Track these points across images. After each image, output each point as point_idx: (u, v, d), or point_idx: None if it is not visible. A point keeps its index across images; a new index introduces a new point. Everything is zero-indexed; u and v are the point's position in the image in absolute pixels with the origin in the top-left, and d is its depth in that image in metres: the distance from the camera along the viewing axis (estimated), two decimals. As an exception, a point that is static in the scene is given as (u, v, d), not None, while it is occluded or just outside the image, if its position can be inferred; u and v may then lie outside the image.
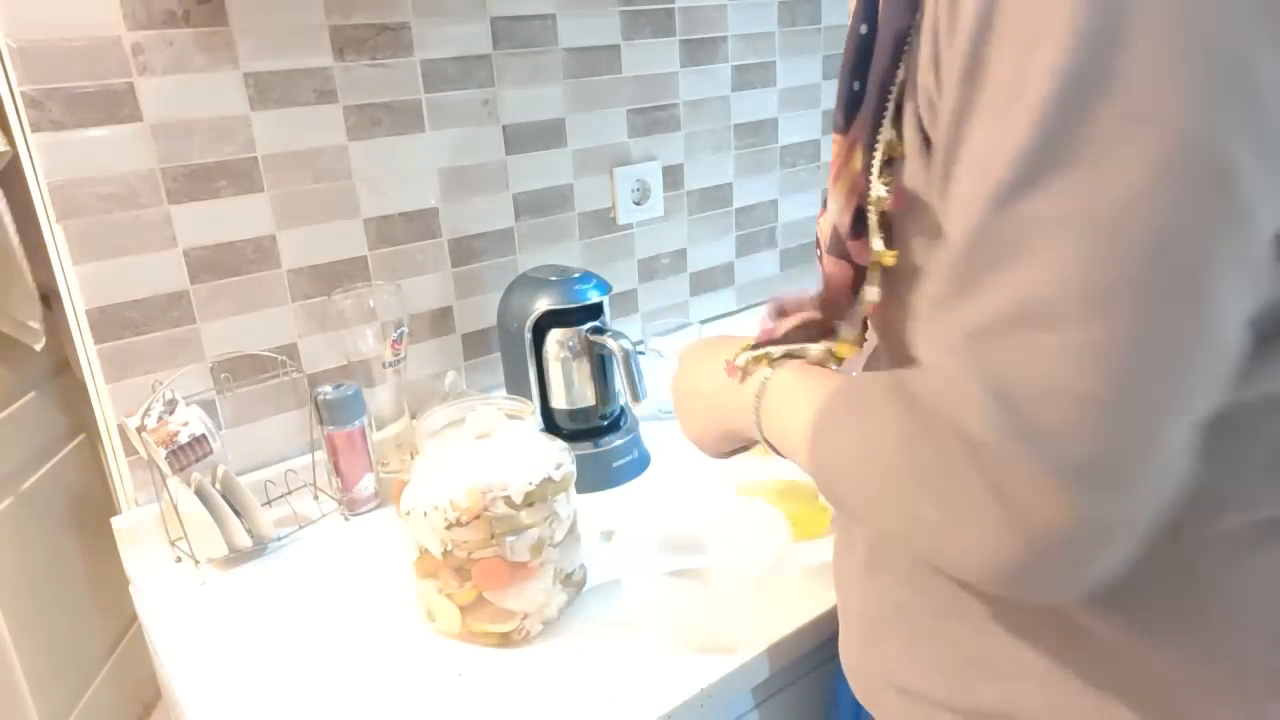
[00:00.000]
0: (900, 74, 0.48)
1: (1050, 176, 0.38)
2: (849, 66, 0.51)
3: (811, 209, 1.61)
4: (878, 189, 0.50)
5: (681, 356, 0.73)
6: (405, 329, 1.10)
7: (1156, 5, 0.37)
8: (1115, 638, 0.50)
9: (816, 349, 0.60)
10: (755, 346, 0.63)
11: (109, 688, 1.64)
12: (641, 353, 1.18)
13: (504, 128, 1.21)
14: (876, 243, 0.52)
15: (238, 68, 0.99)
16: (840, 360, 0.61)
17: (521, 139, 1.23)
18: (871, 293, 0.54)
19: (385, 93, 1.10)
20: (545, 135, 1.26)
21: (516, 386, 1.08)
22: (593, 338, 1.03)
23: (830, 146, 1.63)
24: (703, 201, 1.47)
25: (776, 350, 0.62)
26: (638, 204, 1.37)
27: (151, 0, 0.93)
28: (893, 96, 0.48)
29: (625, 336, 1.01)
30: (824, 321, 0.60)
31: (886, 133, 0.49)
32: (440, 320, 1.21)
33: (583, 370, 1.04)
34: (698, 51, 1.39)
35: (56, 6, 0.88)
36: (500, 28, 1.18)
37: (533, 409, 0.84)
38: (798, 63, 1.53)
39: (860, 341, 0.60)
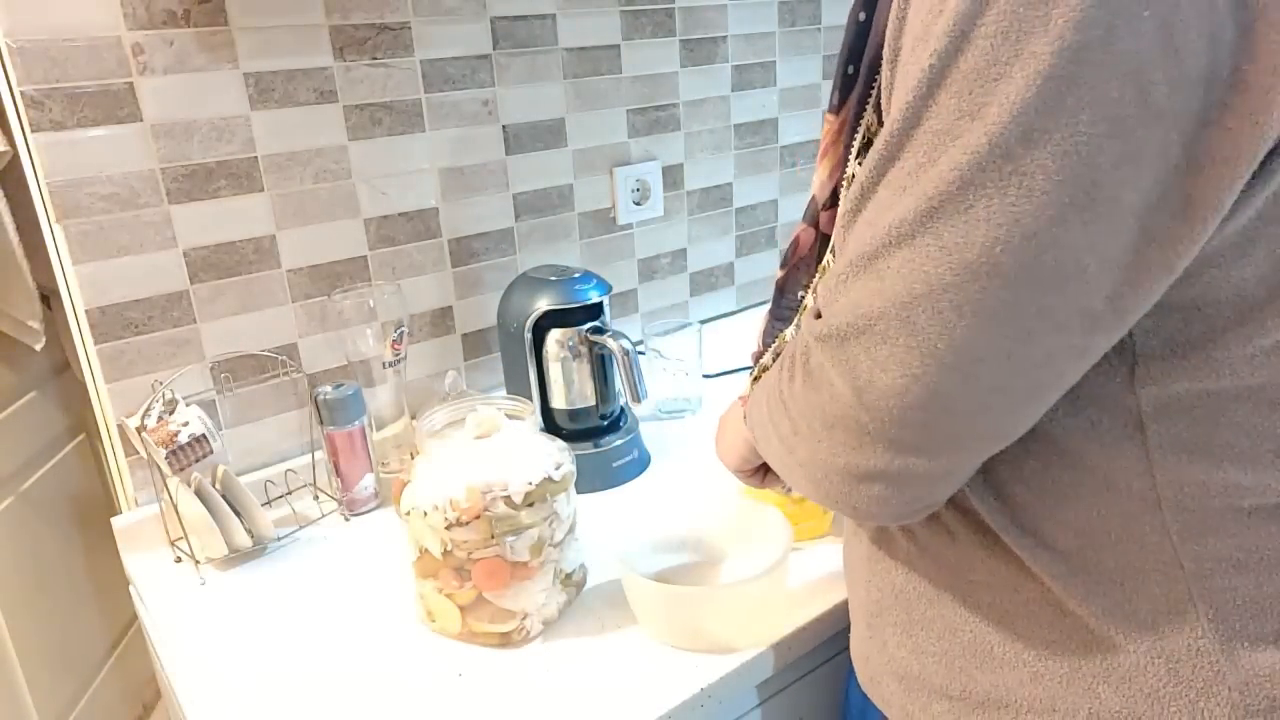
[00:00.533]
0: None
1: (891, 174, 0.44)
2: (845, 50, 0.54)
3: (811, 209, 1.61)
4: (853, 166, 0.53)
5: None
6: (405, 329, 1.10)
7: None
8: (1105, 627, 0.50)
9: (790, 329, 0.64)
10: (755, 377, 0.67)
11: (109, 688, 1.64)
12: (641, 353, 1.18)
13: (504, 128, 1.21)
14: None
15: (238, 68, 0.99)
16: None
17: (521, 139, 1.23)
18: (827, 258, 0.58)
19: (385, 93, 1.10)
20: (545, 135, 1.26)
21: (516, 386, 1.08)
22: (593, 338, 1.03)
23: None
24: (703, 201, 1.47)
25: (767, 359, 0.65)
26: (638, 204, 1.37)
27: (151, 0, 0.93)
28: (877, 81, 0.50)
29: (625, 336, 1.01)
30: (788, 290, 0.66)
31: (868, 116, 0.52)
32: (440, 320, 1.21)
33: (583, 370, 1.04)
34: (698, 51, 1.39)
35: (56, 6, 0.88)
36: (500, 28, 1.18)
37: (533, 409, 0.83)
38: (798, 63, 1.53)
39: None
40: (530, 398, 1.05)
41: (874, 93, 0.51)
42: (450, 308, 1.22)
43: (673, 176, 1.41)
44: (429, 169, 1.16)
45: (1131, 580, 0.50)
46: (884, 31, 0.47)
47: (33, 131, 0.89)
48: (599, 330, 1.03)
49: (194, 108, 0.98)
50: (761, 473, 0.76)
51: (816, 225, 0.59)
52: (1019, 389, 0.45)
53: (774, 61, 1.49)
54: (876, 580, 0.62)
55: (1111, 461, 0.49)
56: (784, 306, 0.68)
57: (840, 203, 0.55)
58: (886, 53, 0.46)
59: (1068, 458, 0.50)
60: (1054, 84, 0.38)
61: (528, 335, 1.03)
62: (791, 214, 1.59)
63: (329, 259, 1.10)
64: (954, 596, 0.56)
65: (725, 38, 1.41)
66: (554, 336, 1.03)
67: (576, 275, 1.05)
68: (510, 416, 0.84)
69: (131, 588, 0.96)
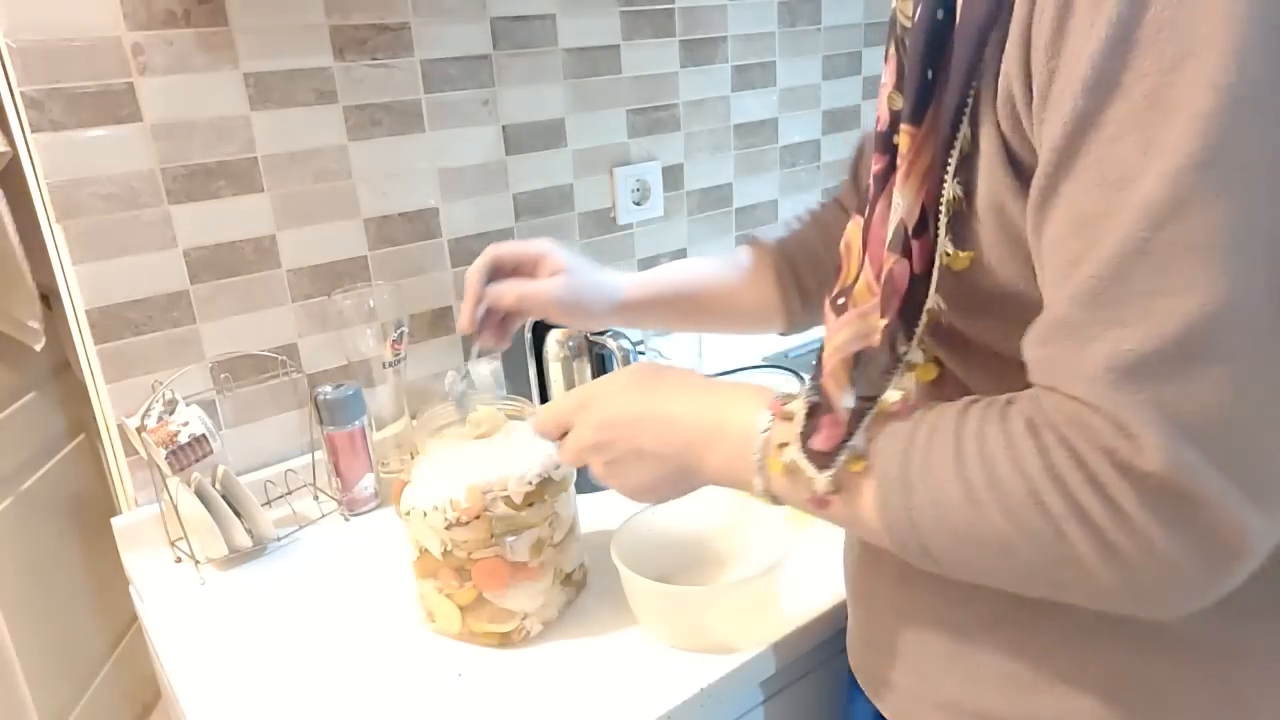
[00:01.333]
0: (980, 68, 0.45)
1: (1205, 197, 0.37)
2: (921, 53, 0.46)
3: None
4: (953, 188, 0.46)
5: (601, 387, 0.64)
6: (405, 329, 1.10)
7: None
8: (1200, 635, 0.49)
9: (893, 394, 0.50)
10: (830, 452, 0.50)
11: (109, 688, 1.64)
12: (641, 353, 1.18)
13: (504, 128, 1.21)
14: (947, 244, 0.47)
15: (238, 68, 0.99)
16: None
17: (521, 139, 1.23)
18: (935, 300, 0.48)
19: (385, 93, 1.10)
20: (545, 135, 1.26)
21: (516, 386, 1.08)
22: (593, 338, 1.03)
23: (827, 149, 1.61)
24: (703, 201, 1.47)
25: (859, 441, 0.49)
26: (638, 204, 1.37)
27: (151, 0, 0.93)
28: (974, 91, 0.45)
29: (625, 336, 1.01)
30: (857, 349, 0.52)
31: (964, 128, 0.45)
32: (440, 320, 1.21)
33: (583, 370, 1.04)
34: (698, 51, 1.39)
35: (56, 6, 0.88)
36: (500, 28, 1.18)
37: (533, 409, 0.83)
38: (798, 63, 1.53)
39: (936, 361, 0.52)
40: (530, 398, 1.05)
41: (969, 104, 0.45)
42: (450, 308, 1.22)
43: (673, 176, 1.41)
44: (429, 169, 1.16)
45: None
46: (974, 34, 0.43)
47: (33, 131, 0.89)
48: (599, 330, 1.03)
49: (194, 108, 0.98)
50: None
51: (909, 255, 0.49)
52: None
53: (774, 61, 1.49)
54: (911, 608, 0.59)
55: None
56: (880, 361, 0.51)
57: (933, 227, 0.47)
58: (1009, 58, 0.42)
59: None
60: None
61: (528, 335, 1.03)
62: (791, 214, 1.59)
63: (329, 259, 1.10)
64: (1014, 617, 0.53)
65: (725, 38, 1.41)
66: (554, 336, 1.03)
67: (576, 275, 1.05)
68: (510, 417, 0.84)
69: (131, 588, 0.96)
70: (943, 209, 0.47)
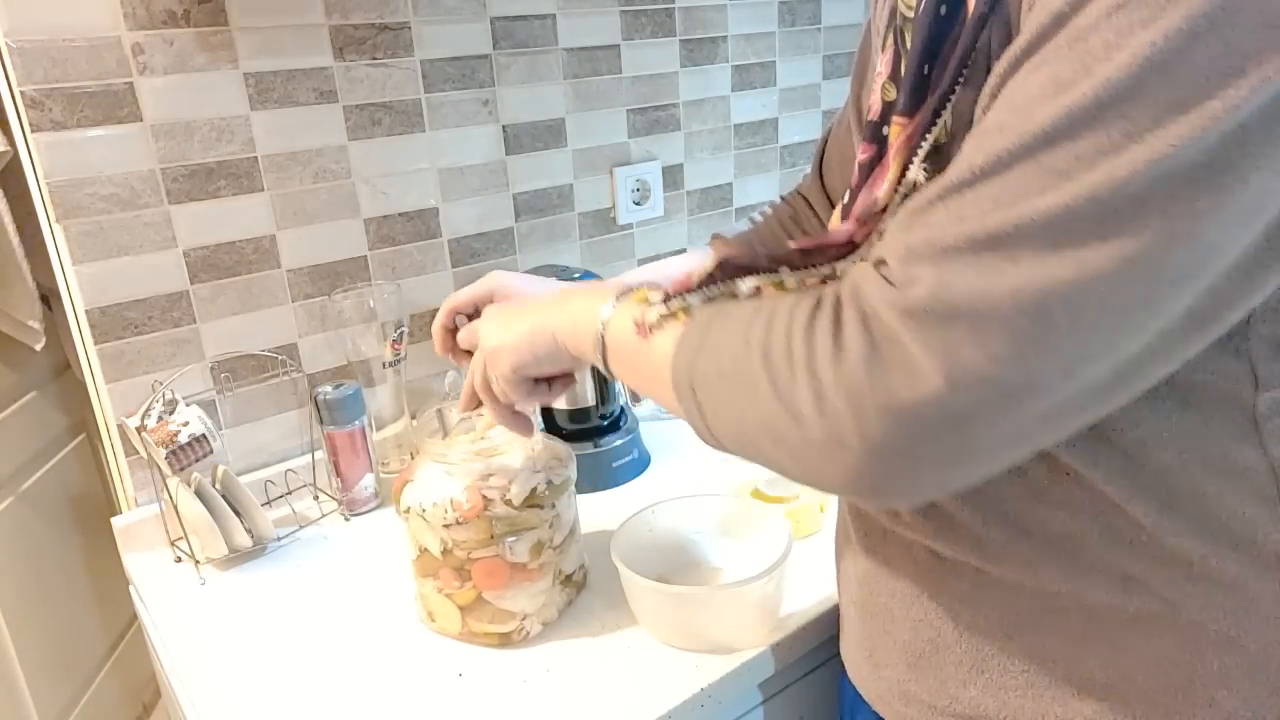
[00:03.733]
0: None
1: (1111, 121, 0.38)
2: (921, 46, 0.48)
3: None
4: (917, 172, 0.48)
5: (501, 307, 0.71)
6: (405, 329, 1.10)
7: None
8: (1225, 630, 0.49)
9: (754, 281, 0.54)
10: (674, 296, 0.55)
11: (109, 688, 1.64)
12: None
13: (504, 128, 1.21)
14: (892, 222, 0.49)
15: (238, 68, 0.99)
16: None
17: (521, 139, 1.23)
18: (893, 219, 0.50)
19: (385, 93, 1.10)
20: (545, 135, 1.26)
21: (516, 386, 1.08)
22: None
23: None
24: (703, 201, 1.47)
25: (710, 291, 0.54)
26: (638, 204, 1.37)
27: (151, 0, 0.93)
28: (961, 82, 0.46)
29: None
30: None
31: (946, 116, 0.47)
32: (440, 320, 1.21)
33: (583, 370, 1.04)
34: (698, 51, 1.39)
35: (56, 6, 0.88)
36: (500, 28, 1.18)
37: (532, 409, 0.83)
38: (798, 63, 1.53)
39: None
40: (530, 398, 1.05)
41: (954, 94, 0.47)
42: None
43: (673, 176, 1.41)
44: (429, 169, 1.16)
45: (1254, 577, 0.49)
46: (973, 28, 0.45)
47: (33, 131, 0.89)
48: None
49: (194, 108, 0.98)
50: (540, 390, 0.70)
51: (868, 228, 0.52)
52: (1108, 387, 0.42)
53: (774, 61, 1.49)
54: (930, 618, 0.58)
55: (1229, 459, 0.48)
56: (764, 269, 0.56)
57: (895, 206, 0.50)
58: (995, 43, 0.43)
59: (1187, 463, 0.48)
60: None
61: (528, 335, 1.03)
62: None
63: (329, 259, 1.10)
64: (1041, 622, 0.53)
65: (725, 38, 1.41)
66: (554, 336, 1.03)
67: (576, 275, 1.05)
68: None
69: (131, 588, 0.96)
70: (900, 191, 0.49)
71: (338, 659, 0.79)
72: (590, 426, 1.07)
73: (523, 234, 1.27)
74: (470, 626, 0.78)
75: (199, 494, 0.93)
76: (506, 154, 1.22)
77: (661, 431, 1.17)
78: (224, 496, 0.95)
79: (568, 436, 1.05)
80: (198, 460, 0.93)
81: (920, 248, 0.42)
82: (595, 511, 0.97)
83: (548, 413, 1.07)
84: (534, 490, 0.76)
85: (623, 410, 1.11)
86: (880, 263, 0.44)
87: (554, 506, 0.78)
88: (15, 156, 0.98)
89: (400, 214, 1.15)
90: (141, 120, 0.95)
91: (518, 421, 0.74)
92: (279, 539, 0.98)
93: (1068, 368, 0.40)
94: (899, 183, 0.49)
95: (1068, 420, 0.43)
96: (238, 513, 0.95)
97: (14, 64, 0.87)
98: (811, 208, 0.82)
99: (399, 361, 1.09)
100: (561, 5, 1.22)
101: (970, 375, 0.40)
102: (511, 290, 0.80)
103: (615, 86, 1.31)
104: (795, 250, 0.54)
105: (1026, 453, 0.44)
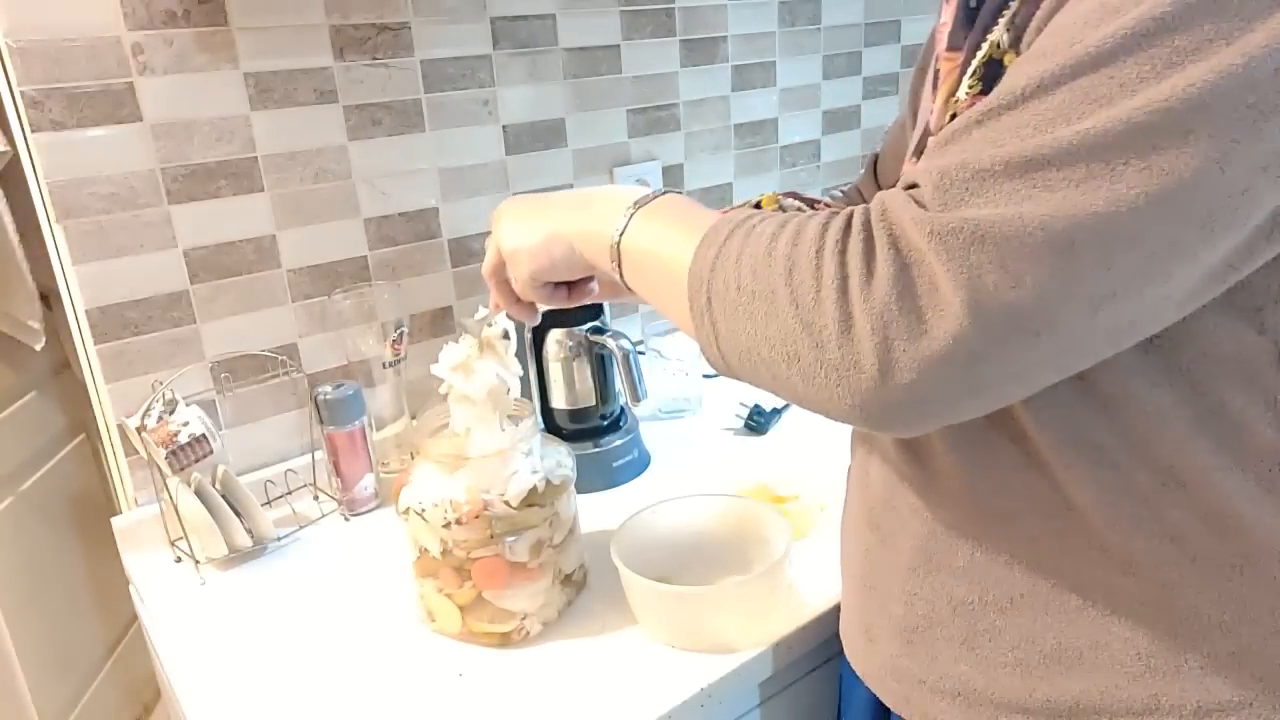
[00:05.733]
0: None
1: (1160, 44, 0.38)
2: None
3: (811, 209, 1.61)
4: (963, 87, 0.47)
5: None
6: (405, 329, 1.10)
7: None
8: (1220, 614, 0.49)
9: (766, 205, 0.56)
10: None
11: (109, 688, 1.64)
12: (641, 353, 1.18)
13: (504, 128, 1.21)
14: None
15: (238, 68, 0.99)
16: None
17: (521, 139, 1.23)
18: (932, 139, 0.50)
19: (385, 93, 1.10)
20: (545, 135, 1.26)
21: (516, 386, 1.08)
22: (593, 338, 1.03)
23: (827, 149, 1.62)
24: (703, 201, 1.46)
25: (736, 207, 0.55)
26: (638, 204, 1.37)
27: (151, 0, 0.93)
28: (1009, 15, 0.46)
29: (625, 336, 1.01)
30: None
31: (998, 34, 0.46)
32: (440, 320, 1.21)
33: (583, 370, 1.04)
34: (698, 51, 1.39)
35: (56, 6, 0.88)
36: (500, 28, 1.18)
37: (532, 409, 0.83)
38: (798, 63, 1.53)
39: None
40: (530, 398, 1.05)
41: (1006, 11, 0.45)
42: (450, 308, 1.22)
43: (673, 176, 1.41)
44: (429, 169, 1.16)
45: (1252, 565, 0.49)
46: None
47: (33, 131, 0.89)
48: (599, 330, 1.03)
49: (194, 108, 0.98)
50: (559, 294, 0.69)
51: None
52: (1124, 330, 0.43)
53: (774, 61, 1.49)
54: (925, 593, 0.58)
55: (1242, 440, 0.48)
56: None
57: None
58: None
59: (1201, 445, 0.48)
60: None
61: (528, 335, 1.03)
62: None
63: (329, 259, 1.10)
64: (1032, 601, 0.53)
65: (725, 38, 1.41)
66: (554, 336, 1.03)
67: (576, 275, 1.05)
68: (510, 416, 0.84)
69: (131, 588, 0.96)
70: (948, 112, 0.48)
71: (338, 659, 0.79)
72: (590, 426, 1.07)
73: (523, 234, 1.27)
74: (470, 626, 0.78)
75: (199, 494, 0.93)
76: (506, 154, 1.22)
77: (661, 431, 1.17)
78: (224, 496, 0.95)
79: (568, 436, 1.05)
80: (198, 460, 0.93)
81: (954, 170, 0.41)
82: (595, 511, 0.97)
83: (548, 413, 1.07)
84: (533, 490, 0.76)
85: (623, 410, 1.11)
86: (912, 186, 0.44)
87: (553, 506, 0.78)
88: (15, 156, 0.98)
89: (400, 214, 1.15)
90: (141, 120, 0.95)
91: (522, 309, 0.73)
92: (279, 539, 0.98)
93: (1090, 305, 0.40)
94: (946, 107, 0.49)
95: (1077, 361, 0.44)
96: (238, 513, 0.95)
97: (14, 64, 0.87)
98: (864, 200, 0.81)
99: (399, 361, 1.09)
100: (561, 5, 1.22)
101: (993, 303, 0.39)
102: None
103: (615, 86, 1.31)
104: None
105: (1034, 390, 0.45)
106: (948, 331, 0.40)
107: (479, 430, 0.77)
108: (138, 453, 0.98)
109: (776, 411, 1.18)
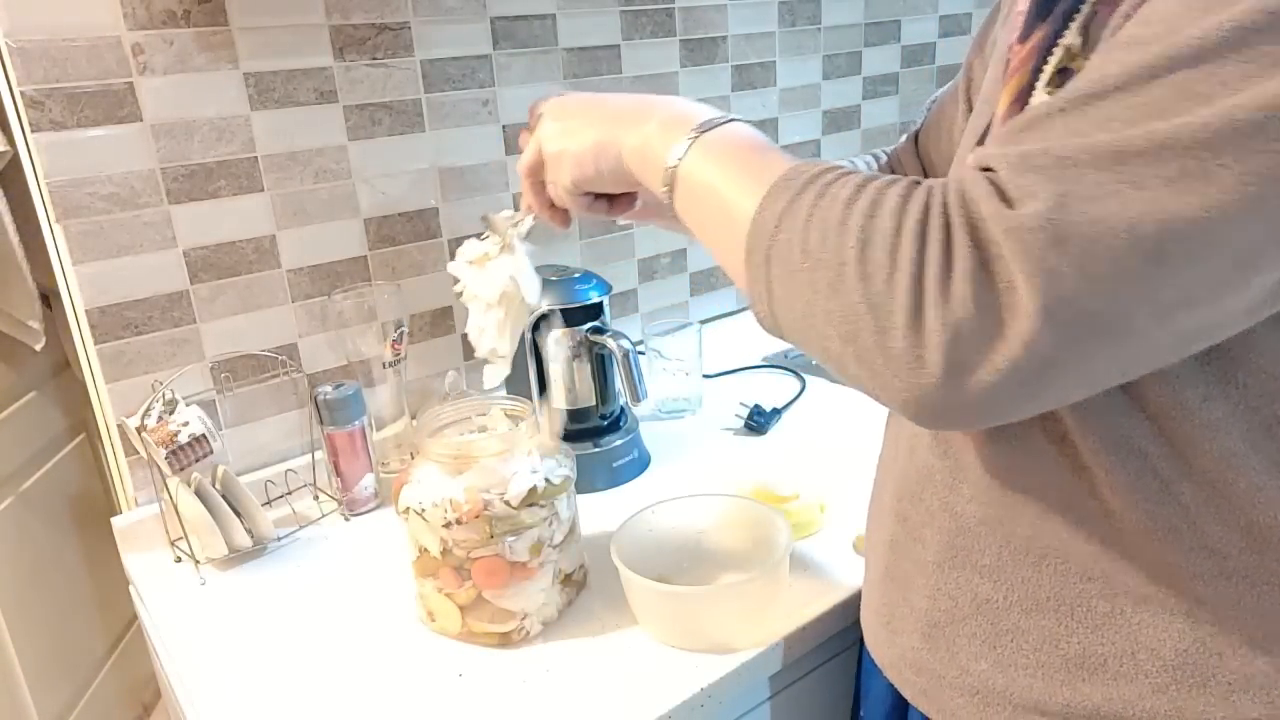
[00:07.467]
0: None
1: (1253, 53, 0.36)
2: None
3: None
4: (1039, 97, 0.45)
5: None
6: (405, 329, 1.10)
7: None
8: (1253, 633, 0.48)
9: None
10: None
11: (109, 688, 1.64)
12: (641, 353, 1.18)
13: (504, 128, 1.21)
14: None
15: (238, 68, 0.99)
16: None
17: (521, 139, 1.23)
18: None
19: (385, 93, 1.10)
20: (545, 135, 1.26)
21: (516, 386, 1.08)
22: (593, 338, 1.03)
23: (827, 149, 1.61)
24: (703, 201, 1.46)
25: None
26: (638, 204, 1.37)
27: (151, 0, 0.93)
28: (1086, 5, 0.43)
29: (625, 336, 1.01)
30: None
31: (1071, 37, 0.44)
32: (440, 320, 1.21)
33: (583, 370, 1.04)
34: (698, 51, 1.39)
35: (56, 6, 0.88)
36: (500, 28, 1.18)
37: (532, 409, 0.83)
38: (798, 63, 1.53)
39: None
40: (530, 398, 1.05)
41: (1081, 11, 0.43)
42: (450, 308, 1.22)
43: (673, 176, 1.41)
44: (429, 169, 1.16)
45: None
46: None
47: (33, 131, 0.89)
48: (599, 330, 1.03)
49: (194, 108, 0.98)
50: (599, 205, 0.65)
51: None
52: (1192, 337, 0.41)
53: (774, 61, 1.49)
54: (949, 589, 0.57)
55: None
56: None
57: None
58: None
59: (1252, 462, 0.46)
60: None
61: (528, 335, 1.03)
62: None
63: (329, 259, 1.10)
64: (1058, 604, 0.52)
65: (725, 38, 1.41)
66: (554, 336, 1.03)
67: (576, 275, 1.05)
68: (510, 416, 0.84)
69: (131, 588, 0.96)
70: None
71: (338, 659, 0.79)
72: (590, 426, 1.07)
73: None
74: (470, 626, 0.78)
75: (199, 494, 0.93)
76: (506, 154, 1.22)
77: (661, 431, 1.17)
78: (224, 496, 0.95)
79: (568, 436, 1.05)
80: (198, 460, 0.93)
81: (1036, 156, 0.39)
82: (595, 511, 0.97)
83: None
84: (532, 489, 0.76)
85: (623, 410, 1.11)
86: (987, 169, 0.41)
87: (553, 505, 0.78)
88: (15, 156, 0.98)
89: (400, 214, 1.15)
90: (141, 120, 0.95)
91: (556, 215, 0.69)
92: (279, 539, 0.98)
93: (1166, 312, 0.39)
94: (1022, 106, 0.46)
95: (1143, 366, 0.42)
96: (238, 513, 0.95)
97: (14, 64, 0.87)
98: (904, 171, 0.79)
99: (399, 362, 1.09)
100: (561, 5, 1.22)
101: (1071, 309, 0.38)
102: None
103: (615, 87, 1.31)
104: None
105: (1093, 394, 0.43)
106: (1021, 335, 0.38)
107: (488, 334, 0.73)
108: (138, 453, 0.98)
109: (776, 411, 1.17)
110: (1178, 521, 0.48)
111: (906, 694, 0.63)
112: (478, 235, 0.78)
